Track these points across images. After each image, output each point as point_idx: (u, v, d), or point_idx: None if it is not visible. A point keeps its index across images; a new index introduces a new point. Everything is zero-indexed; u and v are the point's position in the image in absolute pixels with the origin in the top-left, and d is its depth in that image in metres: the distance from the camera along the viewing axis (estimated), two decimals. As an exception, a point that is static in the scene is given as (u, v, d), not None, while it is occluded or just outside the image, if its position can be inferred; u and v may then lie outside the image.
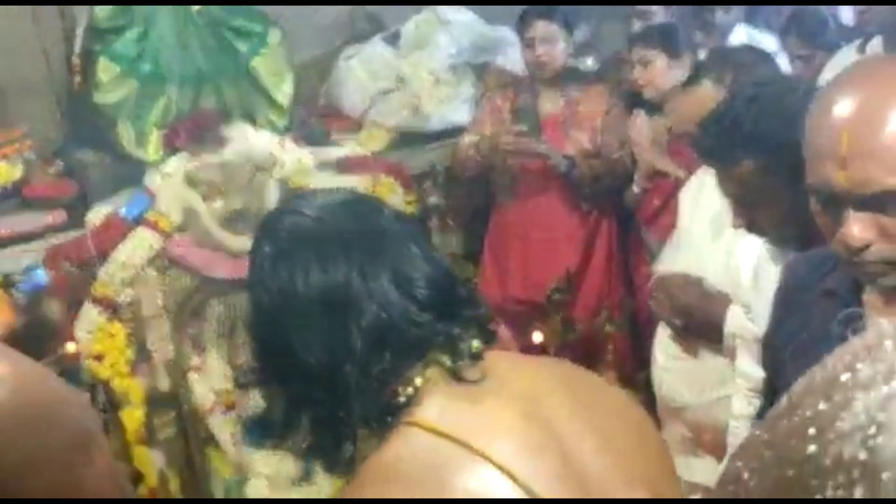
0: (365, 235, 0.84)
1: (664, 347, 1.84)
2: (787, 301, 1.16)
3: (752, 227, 1.37)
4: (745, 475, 0.36)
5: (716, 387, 1.68)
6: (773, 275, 1.42)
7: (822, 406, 0.34)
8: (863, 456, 0.31)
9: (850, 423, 0.33)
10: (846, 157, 0.89)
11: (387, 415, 0.80)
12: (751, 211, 1.35)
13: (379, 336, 0.80)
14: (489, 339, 0.86)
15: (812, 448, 0.33)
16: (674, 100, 1.91)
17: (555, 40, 2.69)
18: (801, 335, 1.10)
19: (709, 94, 1.69)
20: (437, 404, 0.80)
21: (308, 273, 0.82)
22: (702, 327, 1.68)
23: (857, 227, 0.92)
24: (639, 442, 0.86)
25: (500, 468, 0.74)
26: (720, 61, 1.75)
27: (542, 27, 2.68)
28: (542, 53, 2.70)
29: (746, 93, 1.35)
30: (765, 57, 1.84)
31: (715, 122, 1.35)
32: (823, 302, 1.05)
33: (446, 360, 0.82)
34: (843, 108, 0.90)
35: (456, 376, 0.81)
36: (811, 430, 0.34)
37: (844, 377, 0.34)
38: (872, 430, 0.32)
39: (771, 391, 1.23)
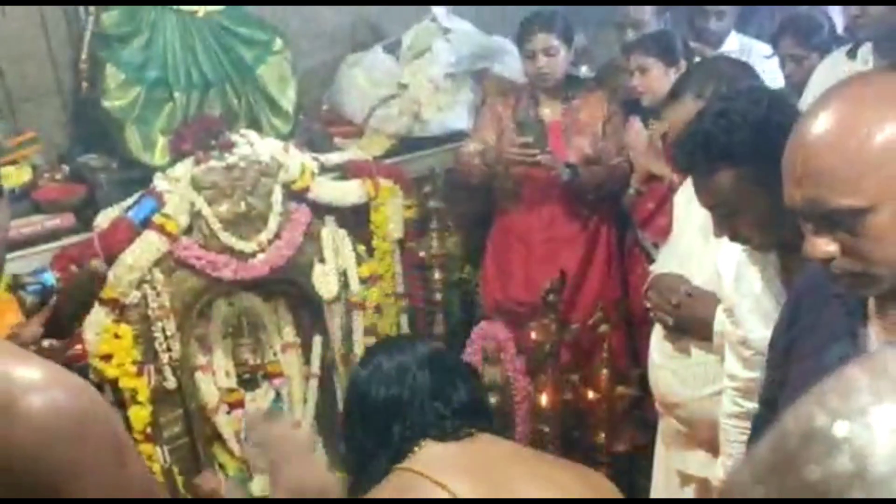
0: (425, 368, 1.34)
1: (659, 346, 1.90)
2: (798, 303, 1.20)
3: (734, 236, 1.42)
4: (752, 486, 0.37)
5: (707, 384, 1.74)
6: (753, 279, 1.48)
7: (823, 424, 0.35)
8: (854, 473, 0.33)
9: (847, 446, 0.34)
10: (800, 176, 0.95)
11: (397, 463, 1.28)
12: (730, 220, 1.40)
13: (412, 433, 1.30)
14: (485, 427, 1.34)
15: (815, 473, 0.34)
16: (664, 109, 1.98)
17: (555, 52, 2.76)
18: (808, 338, 1.15)
19: (690, 108, 1.74)
20: (424, 459, 1.26)
21: (380, 389, 1.33)
22: (691, 325, 1.74)
23: (817, 243, 0.98)
24: None
25: (454, 495, 1.18)
26: (701, 75, 1.80)
27: (542, 40, 2.75)
28: (544, 65, 2.76)
29: (714, 108, 1.42)
30: (745, 68, 1.89)
31: (689, 138, 1.42)
32: (831, 306, 1.10)
33: (445, 437, 1.29)
34: (804, 129, 0.96)
35: (445, 443, 1.29)
36: (816, 450, 0.35)
37: (851, 397, 0.35)
38: (863, 453, 0.33)
39: (770, 392, 1.27)
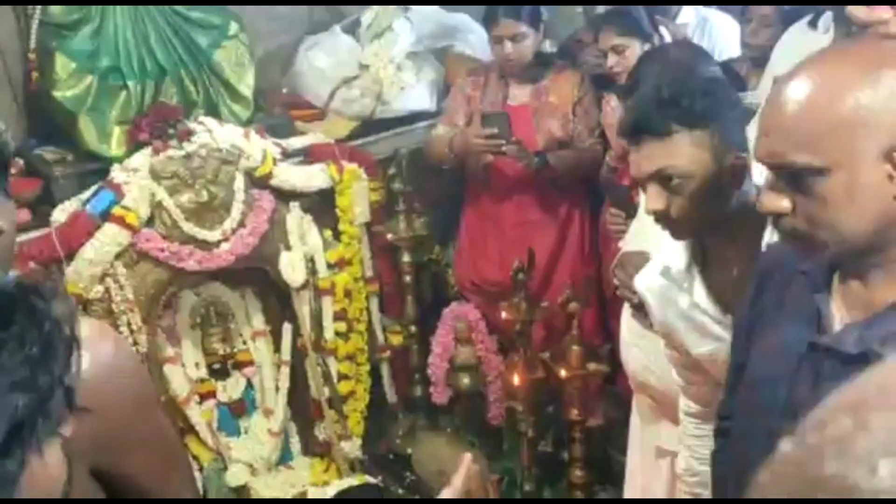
0: None
1: (628, 324, 1.90)
2: (762, 280, 1.21)
3: (667, 210, 1.41)
4: (771, 486, 0.37)
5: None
6: (678, 297, 1.49)
7: (847, 425, 0.35)
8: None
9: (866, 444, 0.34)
10: (768, 128, 0.99)
11: None
12: (672, 190, 1.40)
13: None
14: None
15: (833, 468, 0.34)
16: (625, 101, 1.96)
17: (522, 38, 2.72)
18: (772, 315, 1.15)
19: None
20: None
21: None
22: None
23: (771, 196, 1.01)
24: None
25: None
26: (654, 61, 1.79)
27: (509, 26, 2.71)
28: (511, 52, 2.73)
29: (677, 75, 1.46)
30: (697, 54, 1.88)
31: (649, 100, 1.43)
32: (796, 282, 1.10)
33: None
34: (780, 86, 1.00)
35: None
36: (834, 449, 0.35)
37: (872, 398, 0.35)
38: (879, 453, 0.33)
39: (734, 377, 1.26)
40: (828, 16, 2.49)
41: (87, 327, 1.03)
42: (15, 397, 0.65)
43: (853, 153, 0.94)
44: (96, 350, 0.98)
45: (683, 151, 1.38)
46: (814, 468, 0.35)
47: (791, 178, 0.98)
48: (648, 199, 1.46)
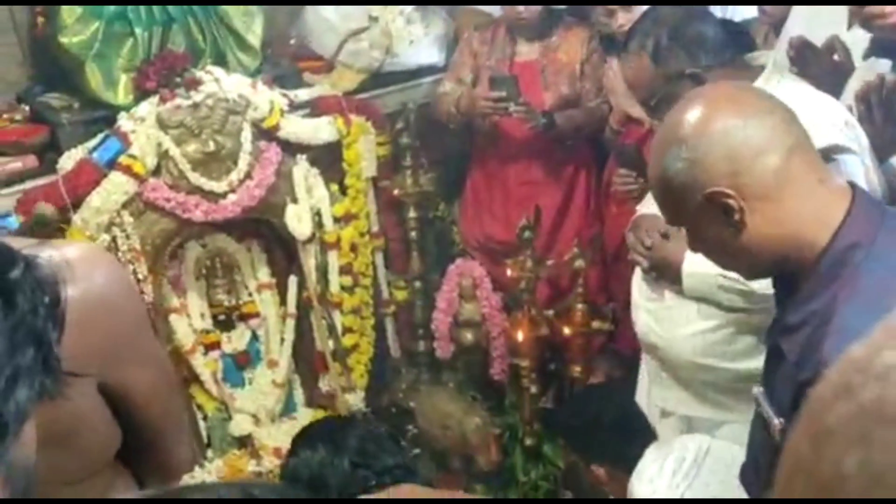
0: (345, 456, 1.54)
1: (638, 286, 1.90)
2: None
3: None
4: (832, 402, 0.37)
5: (681, 325, 1.75)
6: None
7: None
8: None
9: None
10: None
11: None
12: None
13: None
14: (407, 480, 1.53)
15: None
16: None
17: None
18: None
19: (634, 61, 1.72)
20: None
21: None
22: (662, 267, 1.74)
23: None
24: None
25: None
26: (646, 25, 1.75)
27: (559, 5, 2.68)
28: (523, 10, 2.69)
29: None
30: (693, 12, 1.84)
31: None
32: None
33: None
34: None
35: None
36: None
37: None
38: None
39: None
40: (849, -24, 2.44)
41: (81, 250, 1.07)
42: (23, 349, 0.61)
43: (689, 213, 1.09)
44: (95, 270, 1.02)
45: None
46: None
47: None
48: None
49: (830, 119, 1.64)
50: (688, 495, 1.47)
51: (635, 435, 1.87)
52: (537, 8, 2.71)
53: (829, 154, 1.63)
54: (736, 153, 1.04)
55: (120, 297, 1.06)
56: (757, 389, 1.17)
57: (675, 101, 1.67)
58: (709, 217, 1.07)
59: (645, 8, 2.47)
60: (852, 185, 1.12)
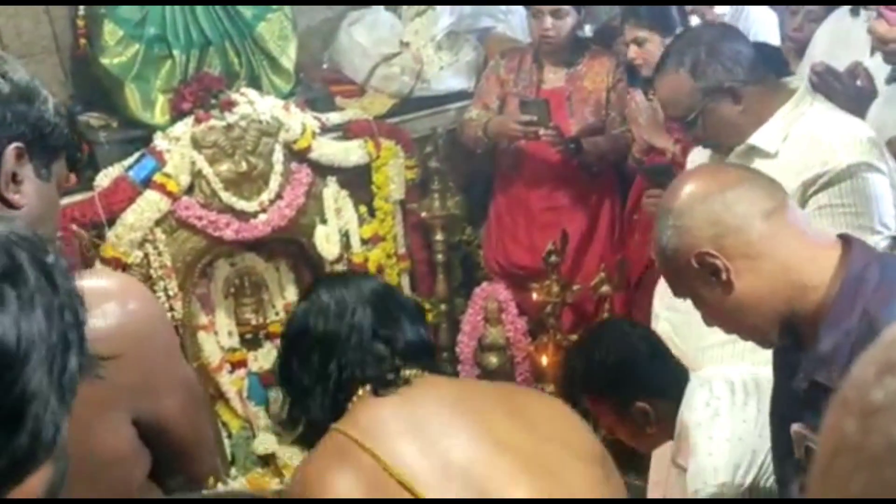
0: (367, 306, 1.29)
1: (660, 296, 1.91)
2: None
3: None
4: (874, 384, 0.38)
5: (699, 337, 1.74)
6: None
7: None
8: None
9: None
10: None
11: (335, 410, 1.25)
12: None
13: (349, 373, 1.25)
14: (427, 365, 1.30)
15: None
16: (654, 81, 1.96)
17: (564, 15, 2.69)
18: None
19: (673, 79, 1.75)
20: (359, 419, 1.21)
21: (318, 322, 1.28)
22: None
23: None
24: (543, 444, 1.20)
25: (384, 463, 1.15)
26: (682, 44, 1.79)
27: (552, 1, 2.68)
28: (550, 28, 2.69)
29: (583, 349, 1.73)
30: (729, 33, 1.86)
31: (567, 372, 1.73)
32: None
33: (384, 387, 1.24)
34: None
35: (382, 397, 1.24)
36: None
37: None
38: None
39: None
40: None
41: (114, 280, 1.11)
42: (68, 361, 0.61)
43: (685, 279, 1.17)
44: (128, 301, 1.03)
45: (600, 414, 1.64)
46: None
47: None
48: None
49: (859, 138, 1.65)
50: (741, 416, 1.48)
51: None
52: (565, 28, 2.73)
53: (857, 171, 1.64)
54: (718, 217, 1.13)
55: (154, 330, 1.06)
56: (799, 427, 1.16)
57: (713, 115, 1.71)
58: (701, 280, 1.15)
59: (659, 45, 2.52)
60: (843, 236, 1.19)
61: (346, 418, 1.22)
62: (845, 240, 1.16)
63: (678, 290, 1.23)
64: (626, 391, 1.57)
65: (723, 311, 1.17)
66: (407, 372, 1.24)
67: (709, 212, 1.13)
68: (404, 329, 1.28)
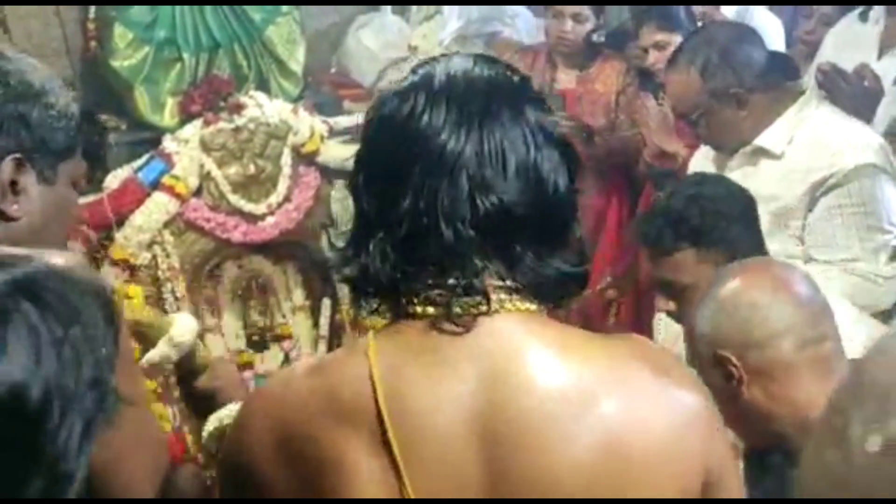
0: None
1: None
2: None
3: (680, 318, 1.49)
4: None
5: None
6: None
7: None
8: None
9: None
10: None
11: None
12: (677, 296, 1.49)
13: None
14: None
15: None
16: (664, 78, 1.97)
17: (584, 20, 2.72)
18: None
19: (682, 76, 1.76)
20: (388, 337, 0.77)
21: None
22: None
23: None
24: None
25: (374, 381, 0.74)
26: (696, 42, 1.80)
27: (574, 5, 2.71)
28: (570, 30, 2.71)
29: (687, 192, 1.52)
30: (743, 33, 1.87)
31: (660, 215, 1.51)
32: None
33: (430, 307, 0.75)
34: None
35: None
36: None
37: None
38: None
39: None
40: (879, 9, 2.46)
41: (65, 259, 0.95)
42: (89, 393, 0.61)
43: (700, 359, 1.14)
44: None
45: (687, 268, 1.46)
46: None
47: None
48: (657, 300, 1.58)
49: (865, 140, 1.66)
50: None
51: None
52: (583, 32, 2.74)
53: (864, 173, 1.65)
54: (750, 329, 1.10)
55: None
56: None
57: (716, 117, 1.70)
58: (715, 373, 1.13)
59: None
60: None
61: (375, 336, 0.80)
62: None
63: (690, 362, 1.21)
64: (715, 243, 1.46)
65: (727, 412, 1.13)
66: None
67: (745, 319, 1.11)
68: None
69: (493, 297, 0.74)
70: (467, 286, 0.73)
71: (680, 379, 0.79)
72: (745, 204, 1.52)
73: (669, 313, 1.57)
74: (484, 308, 0.73)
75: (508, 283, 0.75)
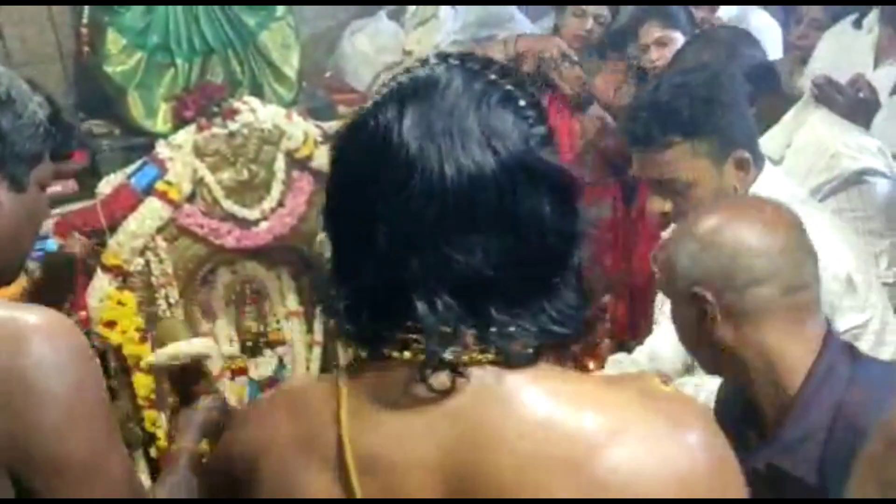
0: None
1: (661, 306, 1.91)
2: None
3: (677, 215, 1.44)
4: None
5: None
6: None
7: None
8: None
9: None
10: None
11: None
12: (677, 196, 1.44)
13: None
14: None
15: None
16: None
17: (604, 21, 2.80)
18: None
19: None
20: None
21: None
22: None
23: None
24: None
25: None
26: (701, 44, 1.80)
27: (599, 7, 2.80)
28: (591, 28, 2.81)
29: (674, 80, 1.44)
30: (745, 37, 1.88)
31: (648, 108, 1.42)
32: None
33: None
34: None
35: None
36: None
37: None
38: None
39: None
40: (872, 16, 2.46)
41: (39, 316, 0.90)
42: None
43: (675, 295, 1.14)
44: (31, 345, 0.87)
45: (684, 162, 1.39)
46: None
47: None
48: (651, 202, 1.48)
49: (863, 143, 1.66)
50: None
51: None
52: (599, 31, 2.82)
53: (864, 177, 1.64)
54: (733, 272, 1.07)
55: (50, 382, 0.87)
56: None
57: None
58: (688, 308, 1.11)
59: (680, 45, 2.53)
60: (827, 335, 1.12)
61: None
62: (827, 334, 1.12)
63: (666, 292, 1.20)
64: (709, 134, 1.36)
65: (689, 338, 1.15)
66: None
67: (728, 261, 1.07)
68: None
69: (472, 356, 0.68)
70: (442, 350, 0.67)
71: (694, 432, 0.68)
72: (736, 90, 1.44)
73: (664, 214, 1.48)
74: (462, 368, 0.68)
75: (485, 346, 0.68)
